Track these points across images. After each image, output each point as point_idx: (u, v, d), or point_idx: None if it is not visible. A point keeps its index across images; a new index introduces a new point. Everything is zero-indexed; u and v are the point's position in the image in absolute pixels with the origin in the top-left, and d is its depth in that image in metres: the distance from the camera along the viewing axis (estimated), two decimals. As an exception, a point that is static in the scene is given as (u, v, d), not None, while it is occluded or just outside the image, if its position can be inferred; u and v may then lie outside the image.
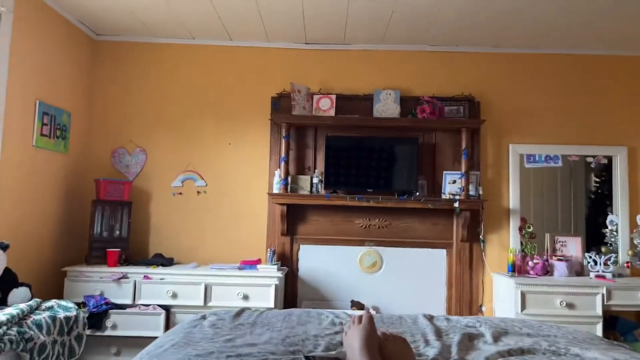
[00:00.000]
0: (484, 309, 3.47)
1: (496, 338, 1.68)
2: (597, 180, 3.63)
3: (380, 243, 3.57)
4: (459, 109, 3.55)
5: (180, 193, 3.60)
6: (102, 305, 3.00)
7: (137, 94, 3.67)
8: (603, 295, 3.07)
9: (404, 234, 3.58)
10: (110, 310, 3.02)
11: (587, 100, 3.62)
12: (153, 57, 3.69)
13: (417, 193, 3.40)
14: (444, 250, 3.56)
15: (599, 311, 3.05)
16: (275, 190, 3.43)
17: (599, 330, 3.02)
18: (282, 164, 3.43)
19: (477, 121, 3.51)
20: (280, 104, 3.61)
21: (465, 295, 3.51)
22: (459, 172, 3.43)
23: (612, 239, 3.49)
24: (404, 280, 3.54)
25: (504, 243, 3.52)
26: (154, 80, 3.68)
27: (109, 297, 3.08)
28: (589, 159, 3.60)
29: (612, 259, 3.29)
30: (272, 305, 3.14)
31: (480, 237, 3.52)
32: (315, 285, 3.55)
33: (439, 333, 1.71)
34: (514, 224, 3.51)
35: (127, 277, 3.13)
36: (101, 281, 3.11)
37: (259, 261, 3.41)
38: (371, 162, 3.49)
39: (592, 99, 3.62)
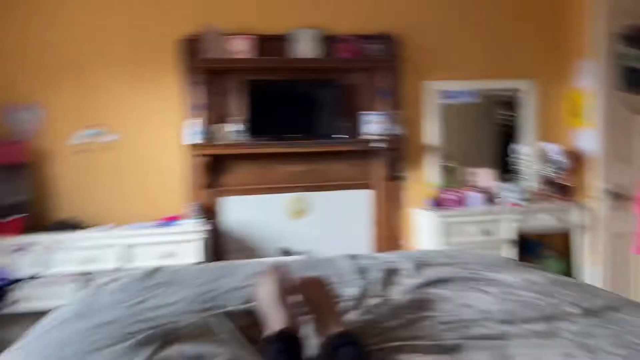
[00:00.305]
0: (405, 243, 3.56)
1: (417, 270, 1.68)
2: (508, 113, 3.74)
3: (306, 188, 3.50)
4: (379, 47, 3.45)
5: (85, 150, 3.27)
6: (3, 280, 2.72)
7: (28, 42, 3.20)
8: (514, 220, 3.24)
9: (329, 178, 3.53)
10: (15, 283, 2.75)
11: (498, 34, 3.65)
12: None
13: (341, 135, 3.33)
14: (369, 191, 3.56)
15: (511, 235, 3.24)
16: (194, 141, 3.20)
17: (511, 253, 3.20)
18: (199, 112, 3.20)
19: (396, 59, 3.45)
20: (193, 46, 3.30)
21: (390, 232, 3.57)
22: (380, 112, 3.38)
23: (521, 168, 3.66)
24: (331, 223, 3.53)
25: (425, 179, 3.58)
26: (48, 26, 3.21)
27: (11, 269, 2.79)
28: (501, 93, 3.69)
29: (521, 186, 3.46)
30: (199, 261, 3.02)
31: (402, 174, 3.55)
32: (243, 236, 3.45)
33: (361, 271, 1.68)
34: (433, 160, 3.57)
35: (31, 246, 2.84)
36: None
37: (180, 217, 3.23)
38: (294, 107, 3.36)
39: (502, 33, 3.66)
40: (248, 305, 1.36)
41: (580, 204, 3.38)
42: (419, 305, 1.34)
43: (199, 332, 1.16)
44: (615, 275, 3.07)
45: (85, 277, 2.89)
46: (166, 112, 3.34)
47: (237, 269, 1.75)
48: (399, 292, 1.45)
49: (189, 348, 1.06)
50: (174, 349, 1.06)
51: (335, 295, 1.28)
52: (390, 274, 1.63)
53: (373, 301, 1.40)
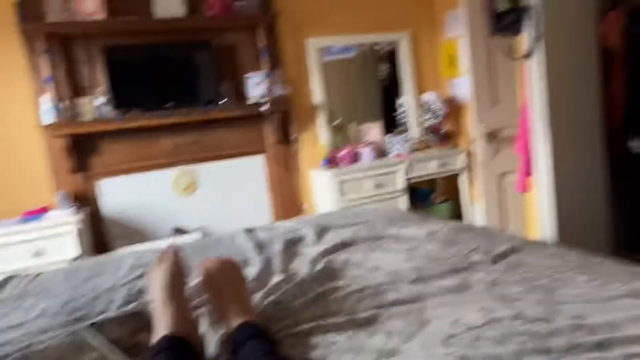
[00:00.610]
0: (305, 206, 3.45)
1: (318, 237, 1.54)
2: (387, 66, 3.72)
3: (192, 161, 3.19)
4: (250, 3, 3.16)
5: None
6: None
7: None
8: (403, 170, 3.28)
9: (216, 147, 3.24)
10: None
11: (372, -14, 3.57)
12: None
13: (223, 101, 3.05)
14: (261, 157, 3.35)
15: (402, 185, 3.27)
16: (50, 121, 2.71)
17: (405, 203, 3.25)
18: (49, 86, 2.70)
19: (271, 15, 3.20)
20: (28, 9, 2.72)
21: (288, 198, 3.43)
22: (262, 73, 3.15)
23: (406, 119, 3.70)
24: (226, 196, 3.28)
25: (316, 139, 3.46)
26: None
27: None
28: (380, 47, 3.65)
29: (406, 137, 3.50)
30: (76, 256, 2.62)
31: (294, 136, 3.39)
32: (129, 222, 3.07)
33: (260, 247, 1.50)
34: (322, 119, 3.45)
35: None
36: None
37: (46, 209, 2.76)
38: (165, 73, 2.97)
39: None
40: (130, 306, 1.11)
41: (462, 148, 3.52)
42: (327, 277, 1.20)
43: (60, 355, 0.90)
44: (499, 214, 3.26)
45: None
46: (9, 89, 2.78)
47: (115, 262, 1.47)
48: (303, 265, 1.30)
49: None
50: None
51: (241, 278, 1.08)
52: (292, 245, 1.48)
53: (276, 279, 1.23)
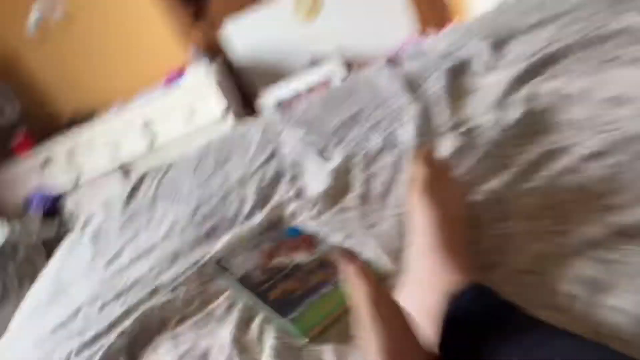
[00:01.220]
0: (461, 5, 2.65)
1: (497, 54, 0.99)
2: None
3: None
4: None
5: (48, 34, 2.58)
6: (50, 198, 2.44)
7: None
8: None
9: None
10: (62, 198, 2.47)
11: None
12: None
13: None
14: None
15: None
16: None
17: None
18: None
19: None
20: None
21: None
22: None
23: None
24: (357, 6, 2.70)
25: None
26: None
27: (49, 185, 2.48)
28: None
29: None
30: (225, 106, 2.51)
31: None
32: (265, 62, 2.78)
33: (413, 85, 1.03)
34: None
35: (54, 156, 2.47)
36: (24, 175, 2.46)
37: (183, 68, 2.60)
38: None
39: None
40: (260, 217, 0.82)
41: None
42: (532, 130, 0.71)
43: (187, 304, 0.67)
44: None
45: (124, 170, 2.53)
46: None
47: (244, 138, 1.17)
48: (485, 111, 0.81)
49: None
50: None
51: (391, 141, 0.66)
52: (457, 77, 0.96)
53: (448, 142, 0.78)
